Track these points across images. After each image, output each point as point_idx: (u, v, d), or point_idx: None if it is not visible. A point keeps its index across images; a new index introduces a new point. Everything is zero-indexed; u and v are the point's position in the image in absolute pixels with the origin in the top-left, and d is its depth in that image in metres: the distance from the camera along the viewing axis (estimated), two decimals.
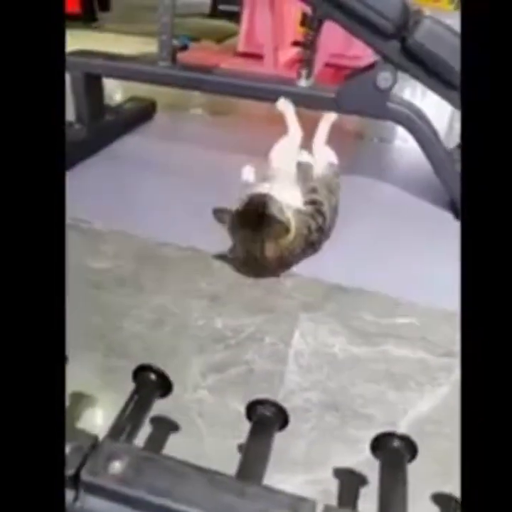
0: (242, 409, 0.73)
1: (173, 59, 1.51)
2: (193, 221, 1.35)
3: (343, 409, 0.85)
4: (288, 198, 1.14)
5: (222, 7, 4.30)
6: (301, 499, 0.39)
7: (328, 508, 0.39)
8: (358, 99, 1.38)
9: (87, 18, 3.72)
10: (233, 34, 3.47)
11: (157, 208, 1.46)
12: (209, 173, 1.64)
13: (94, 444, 0.41)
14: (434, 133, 1.42)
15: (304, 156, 1.35)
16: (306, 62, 1.43)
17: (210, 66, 1.56)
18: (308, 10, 2.87)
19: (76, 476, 0.39)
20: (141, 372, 0.55)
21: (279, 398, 0.88)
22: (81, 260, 1.19)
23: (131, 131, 1.89)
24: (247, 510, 0.37)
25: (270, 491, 0.40)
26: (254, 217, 1.08)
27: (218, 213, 1.14)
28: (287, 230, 1.09)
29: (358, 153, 2.00)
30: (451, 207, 1.50)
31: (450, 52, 1.19)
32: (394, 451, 0.51)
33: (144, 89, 1.92)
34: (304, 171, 1.28)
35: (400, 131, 2.09)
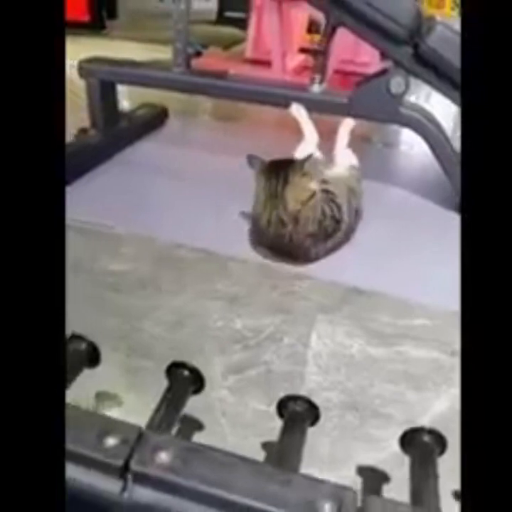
0: (263, 408, 0.75)
1: (188, 65, 1.54)
2: (209, 224, 1.37)
3: (362, 409, 0.87)
4: None
5: (228, 14, 4.34)
6: (344, 488, 0.40)
7: (368, 497, 0.41)
8: (370, 104, 1.40)
9: (96, 26, 3.76)
10: (240, 41, 3.51)
11: (173, 212, 1.48)
12: (222, 178, 1.65)
13: (140, 435, 0.42)
14: (445, 137, 1.44)
15: (320, 159, 1.37)
16: (318, 68, 1.45)
17: (224, 72, 1.58)
18: (317, 16, 2.90)
19: (124, 467, 0.40)
20: (174, 368, 0.56)
21: None
22: (101, 263, 1.22)
23: (144, 137, 1.91)
24: (293, 498, 0.38)
25: (313, 480, 0.42)
26: (283, 169, 1.17)
27: (251, 159, 1.22)
28: (307, 176, 1.17)
29: (364, 158, 2.02)
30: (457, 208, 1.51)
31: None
32: (424, 445, 0.53)
33: (153, 96, 1.95)
34: (316, 166, 1.30)
35: (405, 135, 2.12)
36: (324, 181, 1.25)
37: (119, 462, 0.41)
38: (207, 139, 2.06)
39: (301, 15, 2.93)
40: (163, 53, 3.43)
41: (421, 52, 1.29)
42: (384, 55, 3.05)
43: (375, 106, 1.39)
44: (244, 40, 3.38)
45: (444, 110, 1.77)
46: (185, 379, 0.56)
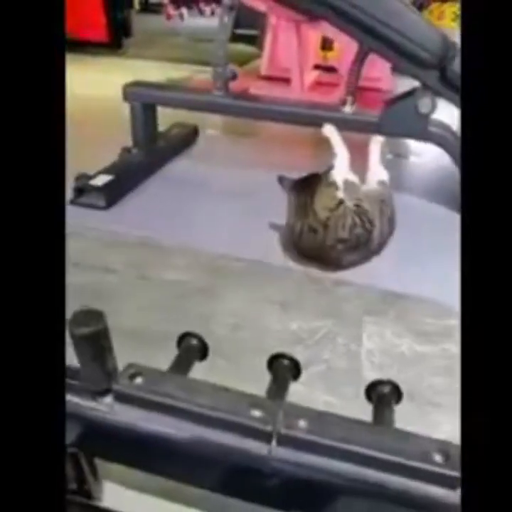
0: (330, 399, 0.85)
1: (227, 88, 1.65)
2: (248, 235, 1.48)
3: (418, 399, 0.97)
4: None
5: (240, 31, 4.47)
6: (450, 443, 0.51)
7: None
8: (400, 123, 1.51)
9: (114, 46, 3.89)
10: (253, 57, 3.64)
11: (213, 224, 1.59)
12: (253, 191, 1.75)
13: (280, 407, 0.53)
14: None
15: (351, 177, 1.47)
16: (350, 90, 1.56)
17: (260, 95, 1.70)
18: (330, 34, 3.01)
19: (272, 432, 0.51)
20: (276, 360, 0.67)
21: (358, 390, 1.00)
22: (158, 273, 1.32)
23: (179, 154, 2.03)
24: (409, 450, 0.49)
25: (424, 436, 0.53)
26: (309, 183, 1.30)
27: (282, 180, 1.36)
28: (336, 187, 1.29)
29: None
30: None
31: None
32: None
33: (180, 115, 2.07)
34: (350, 188, 1.41)
35: (413, 146, 2.23)
36: (357, 198, 1.36)
37: (269, 428, 0.51)
38: (236, 155, 2.17)
39: (315, 32, 3.06)
40: (178, 70, 3.56)
41: (447, 75, 1.40)
42: (394, 70, 3.18)
43: (404, 125, 1.51)
44: (257, 57, 3.52)
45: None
46: (286, 368, 0.67)
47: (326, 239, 1.30)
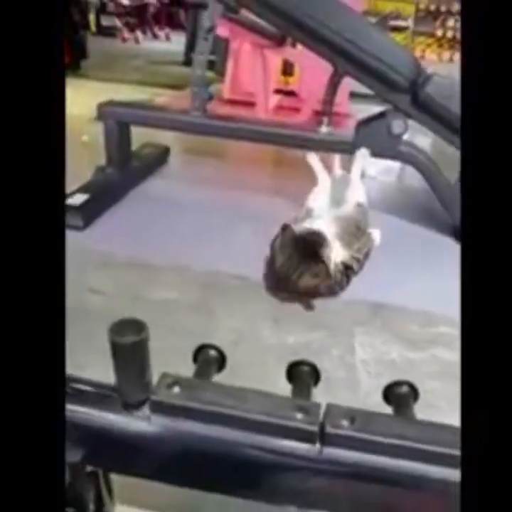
0: None
1: (204, 109, 1.68)
2: (232, 251, 1.49)
3: (418, 402, 1.00)
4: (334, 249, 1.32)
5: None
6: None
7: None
8: (373, 142, 1.58)
9: (73, 66, 3.86)
10: (213, 82, 3.69)
11: (197, 241, 1.59)
12: (228, 208, 1.77)
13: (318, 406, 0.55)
14: (437, 169, 1.65)
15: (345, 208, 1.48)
16: (327, 112, 1.63)
17: (238, 116, 1.73)
18: (291, 59, 3.10)
19: (321, 431, 0.52)
20: (295, 367, 0.69)
21: (360, 397, 1.03)
22: (148, 292, 1.31)
23: (152, 173, 2.03)
24: (428, 439, 0.52)
25: (440, 424, 0.56)
26: (307, 249, 1.26)
27: (285, 229, 1.32)
28: (328, 275, 1.26)
29: None
30: (453, 233, 1.71)
31: (458, 104, 1.42)
32: None
33: (149, 135, 2.07)
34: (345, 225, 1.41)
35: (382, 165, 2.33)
36: (347, 256, 1.34)
37: (315, 428, 0.53)
38: (207, 174, 2.19)
39: (276, 58, 3.16)
40: (138, 92, 3.56)
41: (419, 98, 1.49)
42: (352, 96, 3.31)
43: (377, 145, 1.58)
44: (216, 82, 3.58)
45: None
46: (307, 374, 0.69)
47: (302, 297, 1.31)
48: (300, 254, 1.30)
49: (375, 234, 1.55)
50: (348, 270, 1.40)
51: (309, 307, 1.36)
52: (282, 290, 1.36)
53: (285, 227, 1.42)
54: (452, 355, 1.15)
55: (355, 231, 1.46)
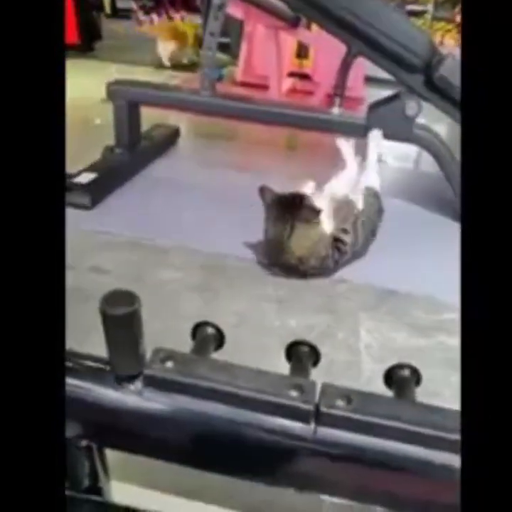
0: None
1: (214, 89, 1.65)
2: (239, 234, 1.47)
3: (420, 389, 0.98)
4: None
5: None
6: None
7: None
8: (386, 125, 1.55)
9: (85, 48, 3.84)
10: (226, 64, 3.65)
11: (204, 223, 1.57)
12: (235, 191, 1.74)
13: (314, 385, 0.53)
14: (451, 154, 1.60)
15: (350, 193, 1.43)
16: (338, 92, 1.59)
17: (248, 96, 1.71)
18: (306, 42, 3.06)
19: (316, 410, 0.51)
20: (294, 347, 0.67)
21: (362, 382, 1.01)
22: (153, 273, 1.30)
23: (161, 155, 2.01)
24: (427, 422, 0.50)
25: (442, 408, 0.54)
26: (291, 203, 1.25)
27: (263, 191, 1.31)
28: (317, 214, 1.24)
29: None
30: None
31: None
32: None
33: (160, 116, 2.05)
34: (336, 213, 1.35)
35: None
36: (338, 229, 1.31)
37: (310, 407, 0.51)
38: (216, 157, 2.17)
39: (291, 40, 3.11)
40: (151, 75, 3.55)
41: (433, 80, 1.45)
42: (367, 81, 3.26)
43: (390, 127, 1.55)
44: (230, 64, 3.54)
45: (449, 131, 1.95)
46: (306, 354, 0.67)
47: (301, 266, 1.28)
48: (286, 212, 1.30)
49: (357, 199, 1.51)
50: (337, 242, 1.38)
51: (303, 276, 1.33)
52: (276, 259, 1.35)
53: (262, 190, 1.41)
54: (456, 342, 1.12)
55: (345, 207, 1.42)
